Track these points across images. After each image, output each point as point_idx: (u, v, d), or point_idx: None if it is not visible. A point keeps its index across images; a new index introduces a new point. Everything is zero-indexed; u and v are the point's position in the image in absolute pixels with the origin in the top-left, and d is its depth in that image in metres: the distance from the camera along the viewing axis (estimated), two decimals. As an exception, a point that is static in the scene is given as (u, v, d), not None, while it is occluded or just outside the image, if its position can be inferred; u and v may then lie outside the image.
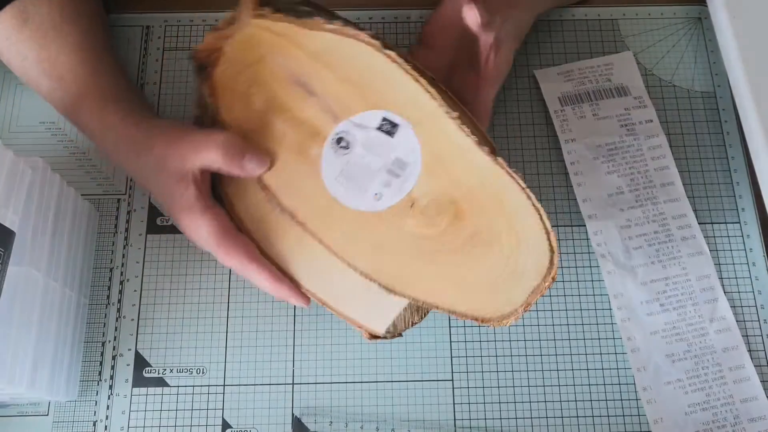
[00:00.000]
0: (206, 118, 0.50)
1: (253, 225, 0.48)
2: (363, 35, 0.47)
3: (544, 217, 0.45)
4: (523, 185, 0.45)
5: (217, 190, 0.50)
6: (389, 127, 0.47)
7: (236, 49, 0.49)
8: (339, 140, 0.47)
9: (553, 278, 0.44)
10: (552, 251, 0.45)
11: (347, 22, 0.48)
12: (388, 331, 0.47)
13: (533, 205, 0.45)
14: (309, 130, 0.48)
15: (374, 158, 0.47)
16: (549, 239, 0.45)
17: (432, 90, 0.46)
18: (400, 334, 0.47)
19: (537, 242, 0.45)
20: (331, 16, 0.49)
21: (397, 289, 0.46)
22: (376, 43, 0.47)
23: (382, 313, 0.47)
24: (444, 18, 0.57)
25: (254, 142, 0.48)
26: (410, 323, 0.47)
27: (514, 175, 0.45)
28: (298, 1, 0.51)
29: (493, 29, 0.51)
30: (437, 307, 0.45)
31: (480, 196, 0.46)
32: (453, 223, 0.46)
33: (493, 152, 0.46)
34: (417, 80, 0.47)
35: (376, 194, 0.47)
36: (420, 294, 0.46)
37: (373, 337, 0.47)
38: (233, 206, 0.49)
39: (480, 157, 0.46)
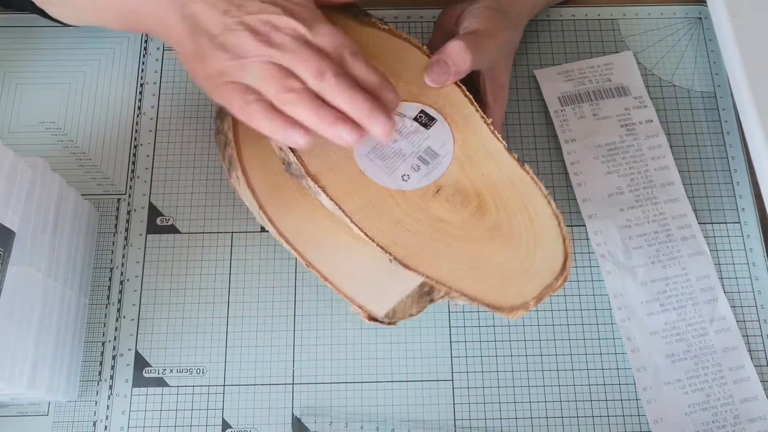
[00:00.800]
0: None
1: (266, 194, 0.49)
2: (414, 39, 0.52)
3: (562, 223, 0.47)
4: (546, 192, 0.48)
5: (228, 152, 0.50)
6: (425, 120, 0.50)
7: None
8: None
9: (565, 279, 0.46)
10: (566, 255, 0.47)
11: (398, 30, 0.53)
12: (386, 316, 0.47)
13: (553, 211, 0.47)
14: None
15: (407, 144, 0.49)
16: (564, 244, 0.47)
17: (470, 96, 0.50)
18: (395, 323, 0.47)
19: (553, 245, 0.47)
20: (383, 23, 0.54)
21: (411, 264, 0.46)
22: (425, 48, 0.52)
23: (384, 297, 0.47)
24: (442, 26, 0.57)
25: None
26: (408, 314, 0.47)
27: (538, 181, 0.48)
28: (352, 2, 0.54)
29: (481, 62, 0.51)
30: (448, 287, 0.46)
31: (504, 194, 0.48)
32: (475, 214, 0.48)
33: (519, 160, 0.49)
34: (458, 85, 0.50)
35: (403, 176, 0.48)
36: (433, 272, 0.46)
37: (372, 319, 0.47)
38: (248, 175, 0.50)
39: (508, 160, 0.49)
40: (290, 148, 0.48)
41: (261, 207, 0.49)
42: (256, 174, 0.50)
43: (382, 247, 0.46)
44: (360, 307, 0.47)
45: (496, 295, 0.46)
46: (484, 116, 0.50)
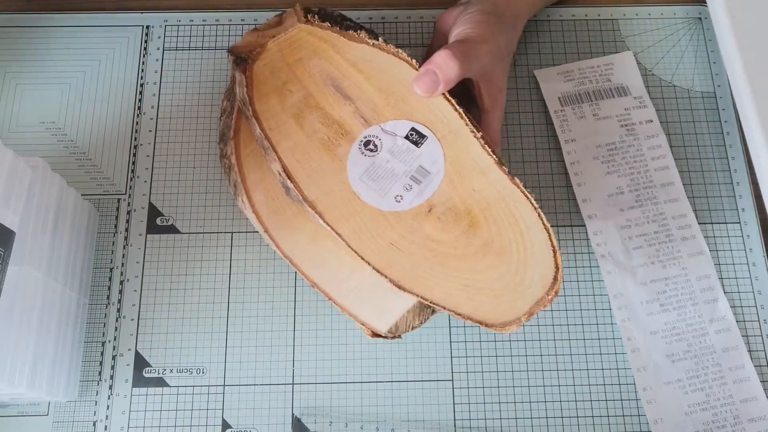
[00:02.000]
0: (234, 108, 0.53)
1: (269, 218, 0.50)
2: (402, 53, 0.52)
3: (553, 236, 0.47)
4: (536, 205, 0.48)
5: (233, 177, 0.51)
6: (416, 138, 0.50)
7: (279, 47, 0.53)
8: (367, 143, 0.50)
9: (556, 292, 0.46)
10: (557, 268, 0.47)
11: (386, 42, 0.53)
12: (389, 331, 0.48)
13: (543, 224, 0.47)
14: (339, 129, 0.50)
15: (398, 164, 0.49)
16: (555, 257, 0.47)
17: (460, 110, 0.50)
18: (399, 336, 0.48)
19: (544, 258, 0.47)
20: (373, 35, 0.53)
21: (405, 285, 0.46)
22: (414, 62, 0.52)
23: (386, 312, 0.48)
24: (440, 30, 0.57)
25: (285, 132, 0.50)
26: (411, 326, 0.48)
27: (528, 195, 0.48)
28: (343, 16, 0.55)
29: (471, 70, 0.51)
30: (442, 307, 0.46)
31: (495, 209, 0.48)
32: (467, 231, 0.48)
33: (509, 174, 0.49)
34: (448, 99, 0.50)
35: (396, 196, 0.48)
36: (426, 292, 0.46)
37: (375, 335, 0.48)
38: (252, 200, 0.51)
39: (498, 175, 0.49)
40: (287, 174, 0.48)
41: (266, 230, 0.50)
42: (259, 198, 0.51)
43: (377, 270, 0.47)
44: (363, 324, 0.48)
45: (489, 312, 0.46)
46: (475, 130, 0.49)
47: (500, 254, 0.47)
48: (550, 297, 0.46)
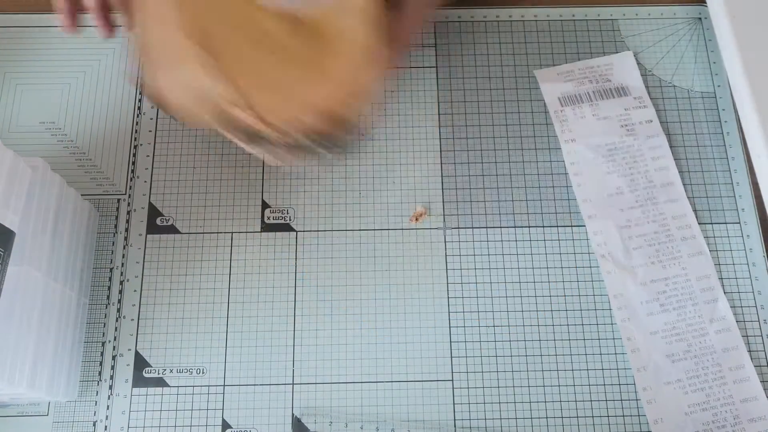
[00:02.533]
0: None
1: None
2: None
3: (371, 51, 0.46)
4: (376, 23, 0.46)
5: None
6: None
7: None
8: None
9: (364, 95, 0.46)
10: (363, 88, 0.46)
11: None
12: (178, 113, 0.47)
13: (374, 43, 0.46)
14: None
15: None
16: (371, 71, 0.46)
17: None
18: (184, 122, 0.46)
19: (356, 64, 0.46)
20: None
21: (205, 49, 0.44)
22: None
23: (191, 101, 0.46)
24: None
25: None
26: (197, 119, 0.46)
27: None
28: None
29: None
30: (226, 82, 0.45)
31: (325, 25, 0.46)
32: (287, 31, 0.46)
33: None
34: None
35: None
36: (220, 58, 0.44)
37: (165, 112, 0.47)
38: None
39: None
40: None
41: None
42: None
43: (193, 39, 0.44)
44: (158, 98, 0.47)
45: (271, 108, 0.45)
46: None
47: (305, 64, 0.46)
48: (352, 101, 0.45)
